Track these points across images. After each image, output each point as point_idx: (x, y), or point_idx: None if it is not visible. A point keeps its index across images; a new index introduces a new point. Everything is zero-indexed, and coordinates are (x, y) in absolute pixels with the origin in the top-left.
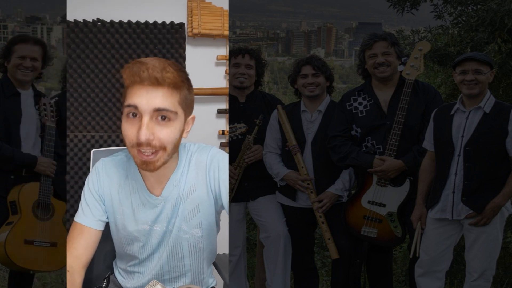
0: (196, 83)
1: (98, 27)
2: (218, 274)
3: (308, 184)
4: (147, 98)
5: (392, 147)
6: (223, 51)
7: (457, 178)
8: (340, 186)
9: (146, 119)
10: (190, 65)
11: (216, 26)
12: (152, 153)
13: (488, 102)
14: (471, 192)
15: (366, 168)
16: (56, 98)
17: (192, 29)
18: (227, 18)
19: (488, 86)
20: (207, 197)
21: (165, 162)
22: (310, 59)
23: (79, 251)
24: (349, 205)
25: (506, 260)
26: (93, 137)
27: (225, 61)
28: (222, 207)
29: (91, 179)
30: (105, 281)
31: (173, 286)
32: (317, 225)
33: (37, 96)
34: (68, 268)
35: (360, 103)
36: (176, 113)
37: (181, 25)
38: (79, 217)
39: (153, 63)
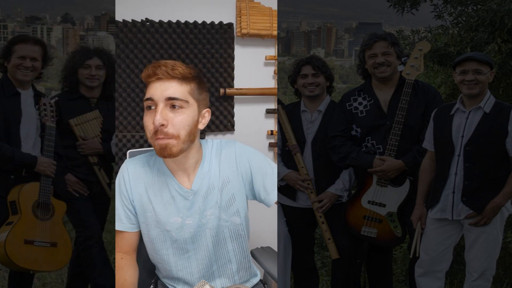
0: (244, 83)
1: (147, 27)
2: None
3: (308, 184)
4: (161, 89)
5: (392, 147)
6: (272, 51)
7: (457, 178)
8: (340, 186)
9: (160, 106)
10: (239, 65)
11: (265, 26)
12: (164, 138)
13: (488, 102)
14: (471, 192)
15: (366, 168)
16: (56, 98)
17: (241, 29)
18: (276, 18)
19: (488, 86)
20: (240, 187)
21: (182, 150)
22: (310, 59)
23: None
24: (349, 205)
25: (506, 260)
26: (141, 137)
27: (273, 61)
28: (248, 198)
29: (118, 187)
30: (152, 286)
31: (219, 275)
32: (317, 225)
33: (37, 96)
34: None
35: (360, 103)
36: (187, 101)
37: (230, 25)
38: (120, 225)
39: (165, 62)
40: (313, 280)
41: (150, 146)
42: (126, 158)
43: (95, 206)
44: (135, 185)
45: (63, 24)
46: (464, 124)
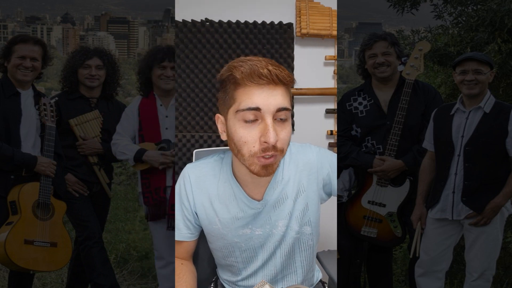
0: (304, 83)
1: (207, 27)
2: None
3: None
4: (269, 98)
5: (392, 147)
6: (332, 51)
7: (457, 178)
8: (340, 186)
9: (269, 120)
10: (299, 65)
11: (325, 26)
12: (272, 156)
13: (488, 102)
14: (471, 192)
15: (366, 168)
16: (56, 98)
17: (300, 29)
18: (336, 18)
19: (488, 86)
20: (314, 195)
21: (277, 166)
22: None
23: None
24: (349, 205)
25: (506, 260)
26: (201, 137)
27: (333, 61)
28: (323, 200)
29: (178, 194)
30: (212, 285)
31: (282, 285)
32: None
33: (37, 96)
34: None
35: (360, 103)
36: (291, 111)
37: (290, 25)
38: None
39: (266, 61)
40: None
41: (210, 146)
42: (186, 157)
43: (95, 206)
44: (198, 196)
45: (63, 24)
46: (464, 124)
